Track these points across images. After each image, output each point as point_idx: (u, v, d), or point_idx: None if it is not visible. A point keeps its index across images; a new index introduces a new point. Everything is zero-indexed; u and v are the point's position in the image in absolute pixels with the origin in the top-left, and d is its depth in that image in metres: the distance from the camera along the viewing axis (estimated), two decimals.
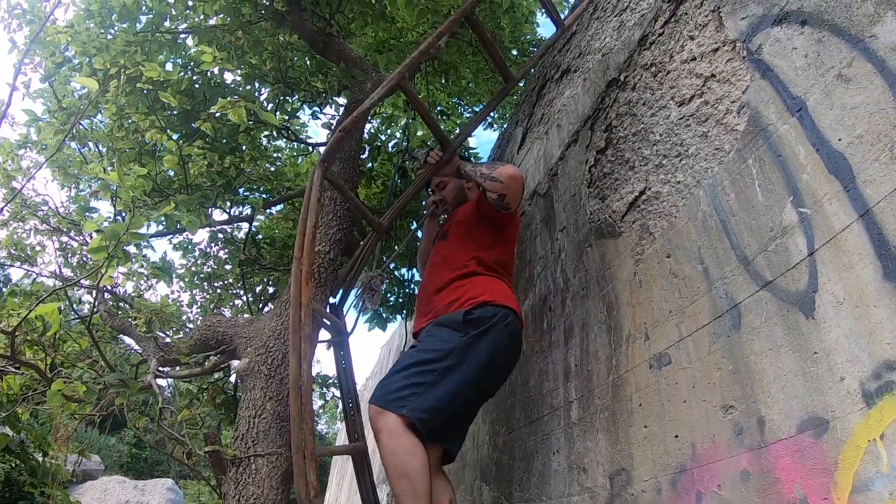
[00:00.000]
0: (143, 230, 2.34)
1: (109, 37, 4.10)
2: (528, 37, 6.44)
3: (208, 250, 5.59)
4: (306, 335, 1.92)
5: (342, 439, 16.26)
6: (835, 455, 1.42)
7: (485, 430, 3.80)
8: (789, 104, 1.76)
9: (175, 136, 3.81)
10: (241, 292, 5.39)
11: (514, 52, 6.38)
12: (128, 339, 4.08)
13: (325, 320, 2.76)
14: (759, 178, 1.83)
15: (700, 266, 2.03)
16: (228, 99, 2.95)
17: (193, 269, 5.69)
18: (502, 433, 3.46)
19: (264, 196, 4.93)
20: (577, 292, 2.90)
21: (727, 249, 1.92)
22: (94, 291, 2.96)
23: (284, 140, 5.24)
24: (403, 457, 2.06)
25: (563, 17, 3.55)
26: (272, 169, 4.82)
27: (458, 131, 6.37)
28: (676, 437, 2.00)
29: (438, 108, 6.44)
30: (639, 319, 2.33)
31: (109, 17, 4.26)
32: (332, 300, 3.04)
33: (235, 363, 3.10)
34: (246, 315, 5.08)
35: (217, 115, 3.18)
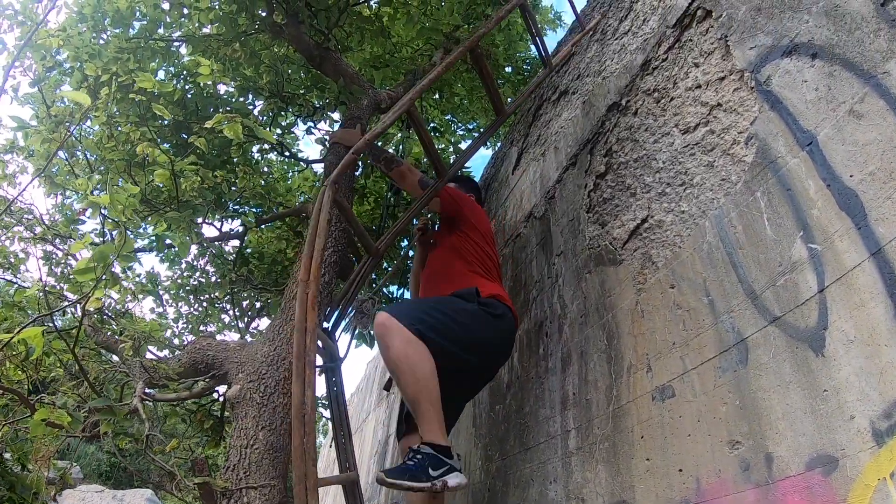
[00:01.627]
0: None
1: (102, 42, 4.03)
2: (522, 54, 6.45)
3: (195, 263, 5.50)
4: (311, 362, 1.87)
5: (325, 450, 16.12)
6: (844, 493, 1.41)
7: (477, 454, 3.74)
8: (799, 137, 1.74)
9: (166, 145, 3.75)
10: (229, 307, 5.30)
11: (508, 69, 6.38)
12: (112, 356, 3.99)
13: (320, 345, 2.71)
14: (768, 212, 1.81)
15: (706, 298, 2.00)
16: (224, 114, 2.91)
17: (179, 280, 5.60)
18: (496, 459, 3.40)
19: (255, 211, 4.86)
20: (575, 319, 2.86)
21: (734, 283, 1.89)
22: (81, 310, 2.89)
23: (276, 154, 5.18)
24: (416, 360, 2.16)
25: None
26: (263, 183, 4.76)
27: (450, 149, 6.37)
28: (681, 470, 1.96)
29: (432, 125, 6.41)
30: (641, 350, 2.29)
31: (102, 22, 4.18)
32: (325, 324, 2.99)
33: (223, 388, 3.02)
34: (237, 337, 5.00)
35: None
